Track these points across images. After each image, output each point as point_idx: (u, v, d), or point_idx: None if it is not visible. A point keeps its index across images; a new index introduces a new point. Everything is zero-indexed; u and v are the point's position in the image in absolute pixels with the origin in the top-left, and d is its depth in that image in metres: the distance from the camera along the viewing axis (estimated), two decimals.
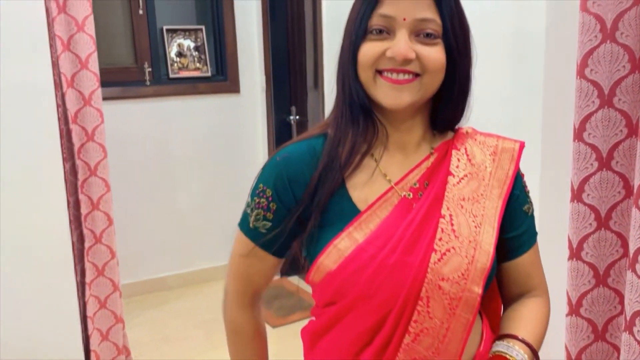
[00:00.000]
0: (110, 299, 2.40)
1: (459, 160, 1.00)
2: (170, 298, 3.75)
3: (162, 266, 3.87)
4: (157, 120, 3.68)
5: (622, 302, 1.33)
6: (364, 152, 0.99)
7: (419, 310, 0.91)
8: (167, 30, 3.71)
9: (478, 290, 0.92)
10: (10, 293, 2.06)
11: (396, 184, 0.98)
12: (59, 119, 2.14)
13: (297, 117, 3.87)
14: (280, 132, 3.94)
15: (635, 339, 1.17)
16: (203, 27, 3.81)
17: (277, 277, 3.79)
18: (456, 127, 1.05)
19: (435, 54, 0.93)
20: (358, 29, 0.94)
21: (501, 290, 1.08)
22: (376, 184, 0.99)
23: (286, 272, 3.84)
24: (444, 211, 0.95)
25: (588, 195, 1.31)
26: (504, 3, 2.00)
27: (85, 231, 2.32)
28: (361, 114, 0.99)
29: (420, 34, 0.92)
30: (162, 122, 3.71)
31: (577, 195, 1.32)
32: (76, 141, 2.27)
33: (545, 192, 1.60)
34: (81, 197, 2.30)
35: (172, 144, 3.77)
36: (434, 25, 0.92)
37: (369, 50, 0.94)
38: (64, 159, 2.19)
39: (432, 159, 1.00)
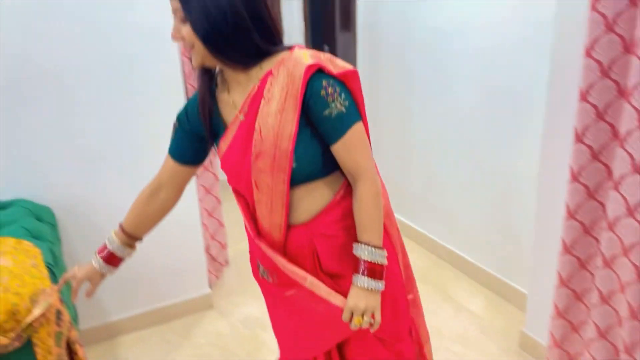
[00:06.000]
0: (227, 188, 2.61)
1: (271, 84, 1.08)
2: None
3: None
4: None
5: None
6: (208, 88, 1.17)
7: (254, 190, 1.15)
8: None
9: (285, 166, 1.09)
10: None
11: (239, 110, 1.13)
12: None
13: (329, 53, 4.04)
14: None
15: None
16: None
17: None
18: (287, 48, 1.11)
19: (184, 31, 1.06)
20: None
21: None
22: (230, 109, 1.16)
23: None
24: (256, 126, 1.10)
25: (587, 138, 1.54)
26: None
27: None
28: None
29: (181, 19, 1.06)
30: None
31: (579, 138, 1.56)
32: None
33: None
34: None
35: None
36: (180, 12, 1.05)
37: None
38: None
39: (255, 88, 1.11)
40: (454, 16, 2.53)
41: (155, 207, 1.29)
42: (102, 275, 1.30)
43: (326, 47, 4.01)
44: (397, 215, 3.32)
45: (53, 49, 1.97)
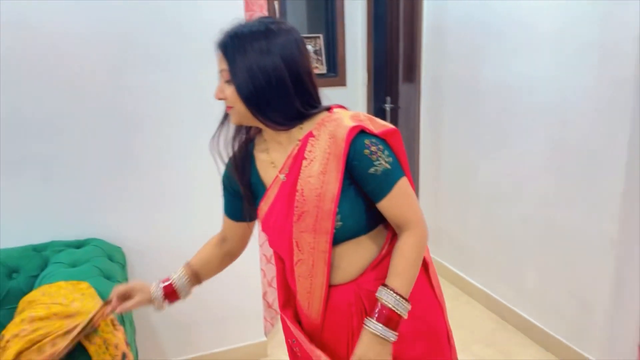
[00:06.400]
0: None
1: (312, 145, 1.09)
2: None
3: None
4: None
5: None
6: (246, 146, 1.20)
7: (295, 250, 1.13)
8: None
9: (328, 226, 1.07)
10: None
11: (280, 171, 1.14)
12: None
13: (391, 105, 4.05)
14: (377, 117, 4.13)
15: None
16: (321, 35, 4.01)
17: None
18: (325, 108, 1.13)
19: (227, 92, 1.08)
20: None
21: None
22: (270, 169, 1.17)
23: None
24: (298, 187, 1.10)
25: None
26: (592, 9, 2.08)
27: None
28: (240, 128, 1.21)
29: (226, 79, 1.08)
30: None
31: None
32: None
33: None
34: None
35: None
36: (226, 73, 1.07)
37: None
38: None
39: (296, 149, 1.12)
40: (522, 71, 2.48)
41: (223, 251, 1.34)
42: (149, 301, 1.28)
43: (388, 99, 4.04)
44: (455, 270, 3.20)
45: (136, 97, 2.10)
